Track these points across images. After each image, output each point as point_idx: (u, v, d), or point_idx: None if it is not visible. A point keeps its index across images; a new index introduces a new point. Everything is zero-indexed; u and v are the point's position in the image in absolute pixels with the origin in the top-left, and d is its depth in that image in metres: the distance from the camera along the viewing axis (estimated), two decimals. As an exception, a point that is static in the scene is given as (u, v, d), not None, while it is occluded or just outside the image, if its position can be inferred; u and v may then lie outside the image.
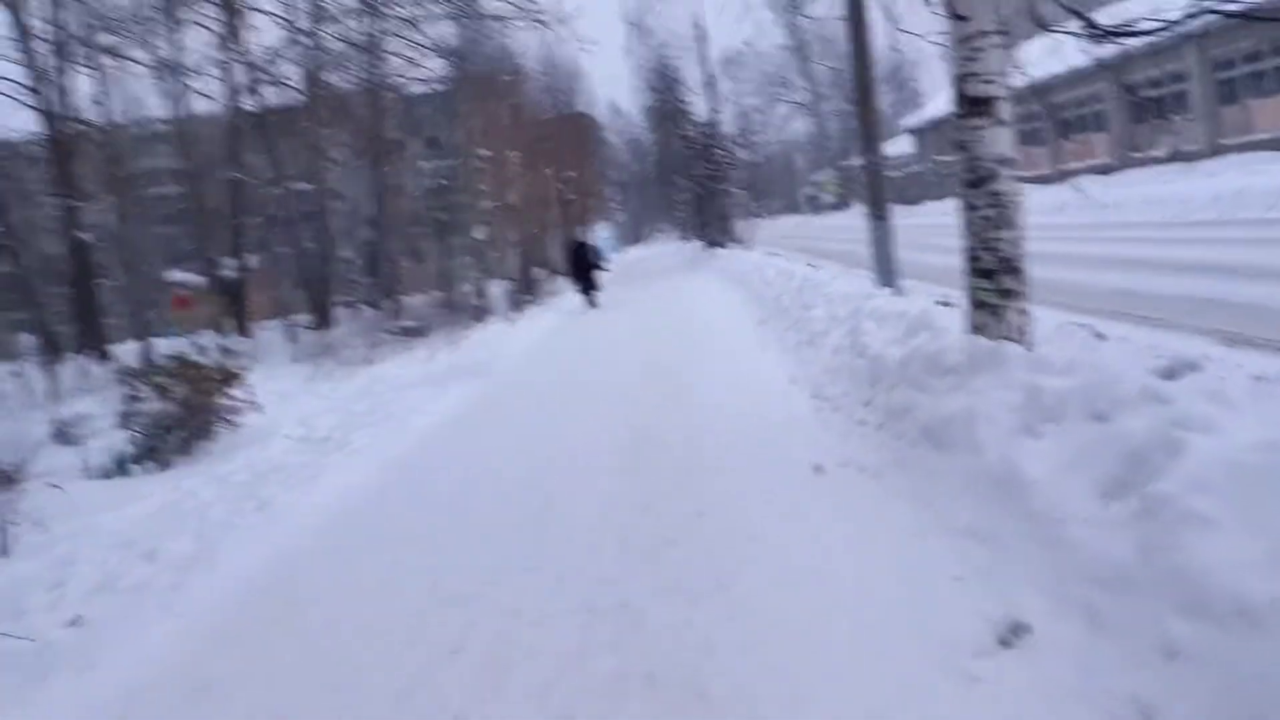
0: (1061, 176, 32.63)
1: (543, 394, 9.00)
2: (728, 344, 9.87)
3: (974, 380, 4.21)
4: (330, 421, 9.97)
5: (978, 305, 4.56)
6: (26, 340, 29.91)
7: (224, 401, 10.28)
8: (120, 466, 9.44)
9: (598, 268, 20.42)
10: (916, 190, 46.28)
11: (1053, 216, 22.68)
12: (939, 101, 48.96)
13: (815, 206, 68.39)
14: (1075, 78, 31.71)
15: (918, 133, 49.16)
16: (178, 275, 44.05)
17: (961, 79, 4.58)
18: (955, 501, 3.58)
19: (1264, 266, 8.43)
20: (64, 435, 12.22)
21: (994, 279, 4.50)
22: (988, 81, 4.49)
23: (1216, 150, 27.03)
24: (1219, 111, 27.57)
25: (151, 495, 7.67)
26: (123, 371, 10.54)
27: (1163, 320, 7.16)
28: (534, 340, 14.88)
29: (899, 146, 59.03)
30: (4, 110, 26.81)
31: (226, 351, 11.43)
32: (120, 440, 9.83)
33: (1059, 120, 34.64)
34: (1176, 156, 28.52)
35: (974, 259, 4.57)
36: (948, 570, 3.06)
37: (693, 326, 12.20)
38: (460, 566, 4.16)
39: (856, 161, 64.01)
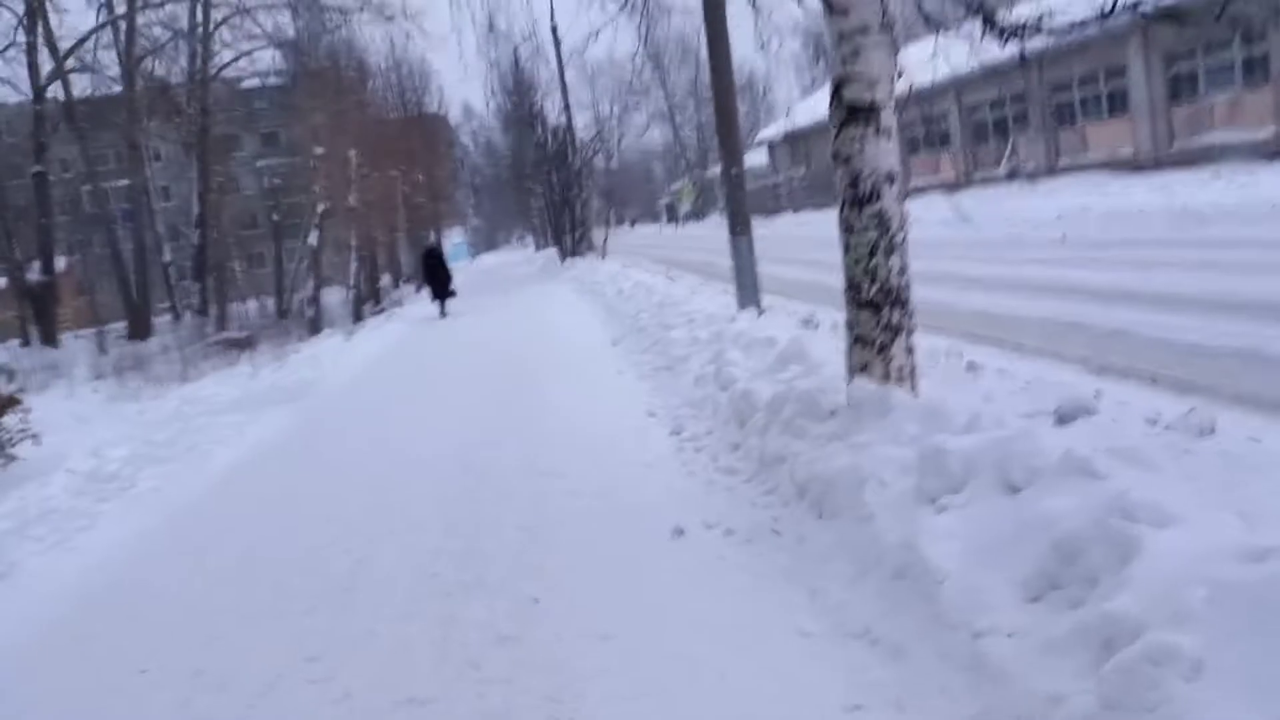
0: (909, 193, 33.65)
1: (369, 424, 7.99)
2: (581, 366, 9.12)
3: (858, 432, 3.62)
4: (124, 453, 8.67)
5: (860, 341, 4.00)
6: None
7: (-6, 432, 8.82)
8: None
9: (449, 275, 19.70)
10: (772, 203, 47.01)
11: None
12: (794, 114, 50.01)
13: (673, 216, 68.74)
14: (922, 96, 32.72)
15: (772, 145, 49.95)
16: (-24, 278, 39.85)
17: (840, 82, 4.01)
18: (847, 591, 2.95)
19: (1119, 288, 8.38)
20: None
21: (878, 312, 3.94)
22: (869, 85, 3.94)
23: (1053, 170, 28.33)
24: (1056, 132, 28.90)
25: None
26: None
27: (1026, 345, 6.90)
28: (370, 356, 13.71)
29: (754, 158, 60.09)
30: None
31: (1, 371, 9.85)
32: None
33: (908, 137, 35.74)
34: (1015, 175, 29.80)
35: (855, 289, 4.01)
36: (843, 696, 2.40)
37: (544, 345, 11.39)
38: (227, 671, 3.24)
39: (715, 171, 64.75)
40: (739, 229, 9.86)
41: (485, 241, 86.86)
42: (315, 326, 19.61)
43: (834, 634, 2.75)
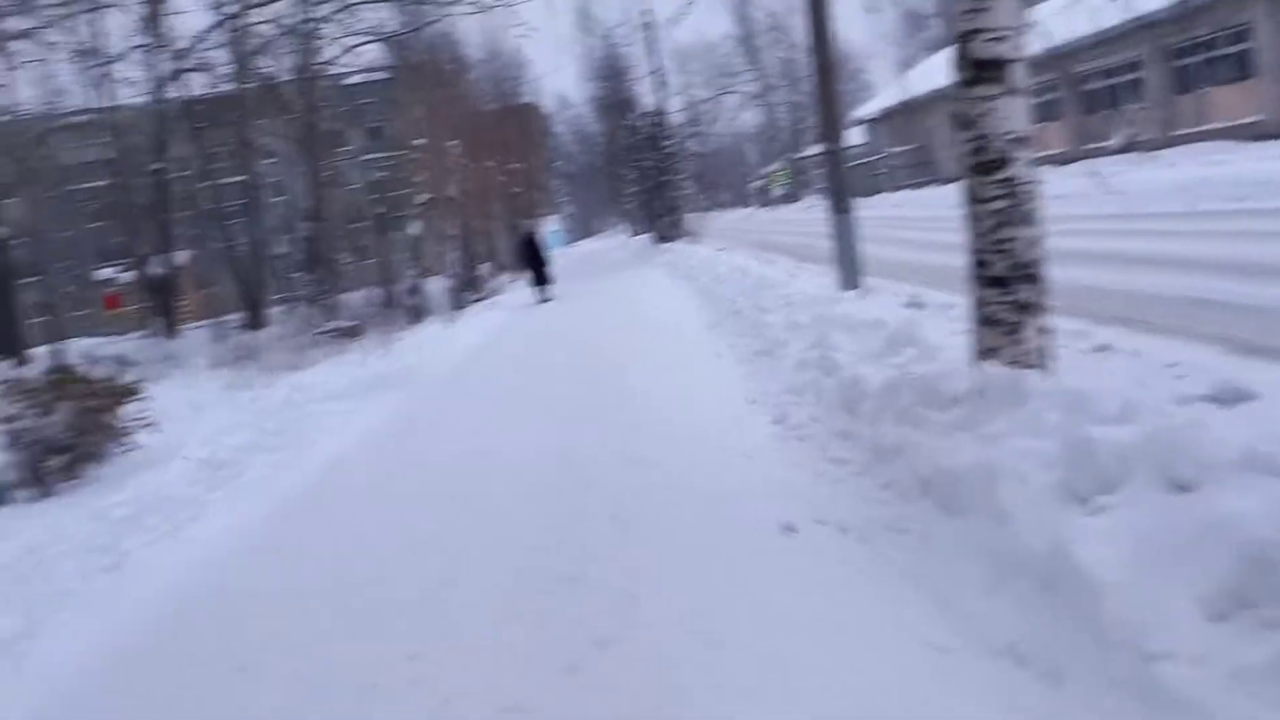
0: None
1: (467, 412, 7.93)
2: (678, 350, 8.90)
3: (989, 422, 3.29)
4: (237, 441, 8.88)
5: (987, 322, 3.65)
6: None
7: (115, 421, 9.12)
8: (-2, 494, 8.25)
9: (548, 261, 20.12)
10: (870, 182, 45.79)
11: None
12: (891, 91, 48.53)
13: (765, 199, 67.82)
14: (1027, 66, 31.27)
15: (870, 123, 48.61)
16: (108, 273, 42.11)
17: (965, 37, 3.66)
18: (983, 600, 2.64)
19: (1250, 262, 7.67)
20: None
21: (1008, 288, 3.58)
22: (999, 39, 3.58)
23: (1171, 140, 26.68)
24: (1174, 100, 27.20)
25: (12, 537, 6.55)
26: (5, 387, 9.26)
27: (1154, 324, 6.36)
28: (469, 343, 13.77)
29: (851, 137, 58.64)
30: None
31: (122, 363, 10.19)
32: (2, 462, 8.64)
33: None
34: (1131, 146, 28.20)
35: (981, 264, 3.66)
36: (996, 726, 2.11)
37: (640, 329, 11.21)
38: (326, 673, 3.14)
39: (808, 153, 63.56)
40: (840, 207, 9.47)
41: (580, 229, 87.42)
42: (417, 315, 19.93)
43: (973, 650, 2.45)
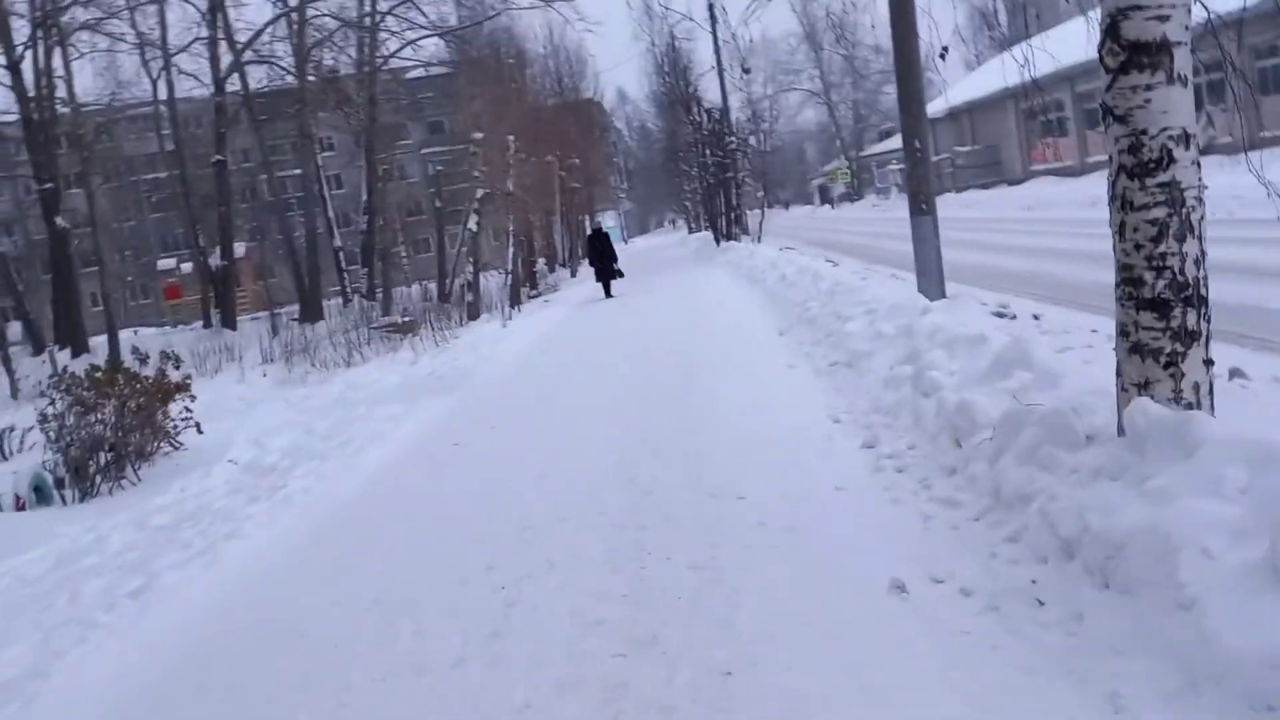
0: (1086, 169, 31.04)
1: (523, 422, 7.48)
2: (748, 358, 8.38)
3: (1152, 473, 2.74)
4: (284, 443, 8.61)
5: (1139, 351, 3.08)
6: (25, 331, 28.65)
7: (163, 419, 8.90)
8: (40, 493, 8.05)
9: (614, 256, 20.03)
10: (935, 182, 44.63)
11: (1090, 211, 21.18)
12: (958, 89, 47.23)
13: (825, 197, 66.70)
14: (1096, 65, 30.01)
15: (934, 122, 47.39)
16: (169, 263, 42.80)
17: (1117, 15, 3.10)
18: (1167, 709, 2.11)
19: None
20: (-7, 449, 10.85)
21: (1166, 313, 3.02)
22: (1160, 17, 3.02)
23: (1256, 143, 25.36)
24: (1259, 102, 25.87)
25: (48, 541, 6.30)
26: (52, 381, 9.09)
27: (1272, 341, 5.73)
28: (526, 343, 13.39)
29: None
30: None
31: (168, 358, 9.99)
32: (49, 460, 8.46)
33: (1085, 110, 32.98)
34: (1210, 149, 26.90)
35: (1133, 282, 3.09)
36: None
37: (705, 332, 10.70)
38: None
39: (870, 151, 62.31)
40: (922, 208, 8.85)
41: (637, 225, 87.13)
42: (474, 311, 19.63)
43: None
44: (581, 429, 6.63)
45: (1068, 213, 22.09)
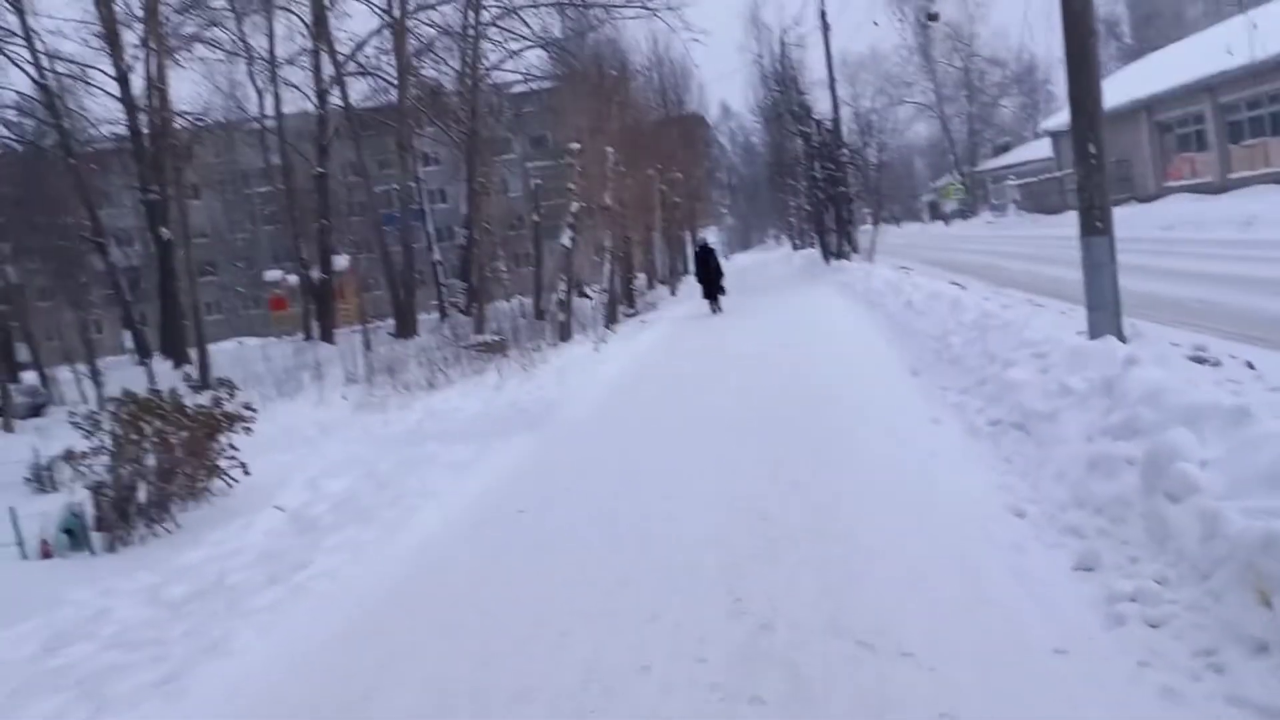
0: (1228, 186, 28.31)
1: (612, 476, 6.23)
2: (879, 405, 6.97)
3: None
4: (340, 487, 7.63)
5: None
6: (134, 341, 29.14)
7: (208, 457, 7.98)
8: (73, 536, 7.21)
9: (721, 272, 20.01)
10: (1056, 199, 41.81)
11: (1243, 231, 18.90)
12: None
13: (936, 214, 63.97)
14: (1246, 75, 27.38)
15: (1057, 136, 44.54)
16: (274, 275, 43.48)
17: None
18: None
19: None
20: (41, 479, 10.16)
21: None
22: None
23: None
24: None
25: (50, 609, 5.34)
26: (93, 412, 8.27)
27: None
28: (620, 373, 12.17)
29: (1034, 150, 54.31)
30: (93, 103, 25.86)
31: (224, 385, 9.10)
32: (83, 500, 7.64)
33: (1227, 122, 30.15)
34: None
35: None
36: None
37: (823, 367, 9.29)
38: None
39: (984, 166, 59.47)
40: (1096, 225, 7.28)
41: (739, 241, 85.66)
42: (565, 331, 18.57)
43: None
44: (673, 505, 5.30)
45: (1216, 233, 19.79)
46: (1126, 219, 30.19)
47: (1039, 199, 45.01)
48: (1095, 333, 7.18)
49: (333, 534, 6.08)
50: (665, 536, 4.74)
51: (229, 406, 8.70)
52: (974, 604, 3.28)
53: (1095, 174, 7.24)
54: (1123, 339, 7.16)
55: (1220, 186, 28.79)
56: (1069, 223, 31.10)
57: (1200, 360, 6.75)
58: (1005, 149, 62.51)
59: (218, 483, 8.08)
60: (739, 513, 4.93)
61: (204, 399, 9.35)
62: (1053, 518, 3.98)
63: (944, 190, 63.04)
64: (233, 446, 7.82)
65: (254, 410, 10.39)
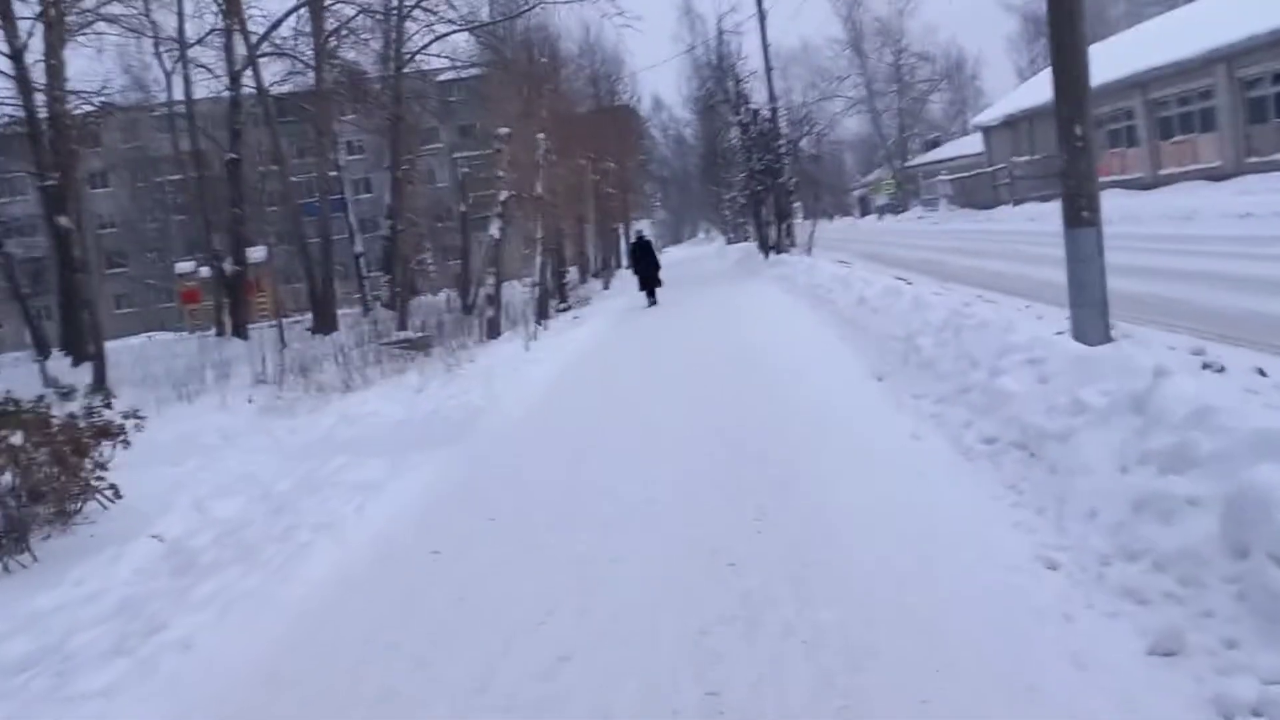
0: (1159, 182, 28.56)
1: (532, 514, 5.27)
2: (846, 416, 6.19)
3: None
4: (230, 512, 6.62)
5: None
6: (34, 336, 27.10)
7: (79, 477, 6.85)
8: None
9: (657, 264, 19.87)
10: (988, 194, 42.04)
11: (1183, 227, 18.79)
12: (1015, 97, 44.69)
13: (867, 208, 64.22)
14: (1176, 72, 27.62)
15: (988, 131, 44.82)
16: (186, 267, 41.30)
17: None
18: None
19: None
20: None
21: None
22: None
23: (1365, 154, 22.79)
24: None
25: None
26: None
27: None
28: (552, 373, 11.22)
29: (964, 147, 54.76)
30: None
31: (99, 390, 7.94)
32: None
33: (1158, 119, 30.42)
34: (1309, 160, 24.30)
35: None
36: None
37: (775, 369, 8.49)
38: None
39: (916, 161, 59.83)
40: (1082, 215, 6.59)
41: (670, 235, 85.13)
42: (494, 328, 17.52)
43: None
44: (618, 544, 4.39)
45: (1157, 228, 19.67)
46: (1058, 213, 30.27)
47: (971, 194, 45.24)
48: (1080, 333, 6.51)
49: (209, 577, 5.06)
50: (612, 590, 3.85)
51: (108, 415, 7.57)
52: (1032, 706, 2.47)
53: (1081, 158, 6.55)
54: (1109, 339, 6.53)
55: (1151, 183, 29.01)
56: (1001, 216, 31.26)
57: (1205, 365, 6.08)
58: (935, 144, 63.02)
59: (93, 505, 6.97)
60: (699, 556, 4.06)
61: (76, 407, 8.18)
62: (1099, 574, 3.20)
63: (876, 185, 63.33)
64: (101, 466, 6.70)
65: (141, 418, 9.22)
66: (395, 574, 4.54)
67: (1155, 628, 2.76)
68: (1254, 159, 25.70)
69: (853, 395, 6.89)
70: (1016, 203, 37.96)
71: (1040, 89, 39.72)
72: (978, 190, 44.28)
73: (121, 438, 7.42)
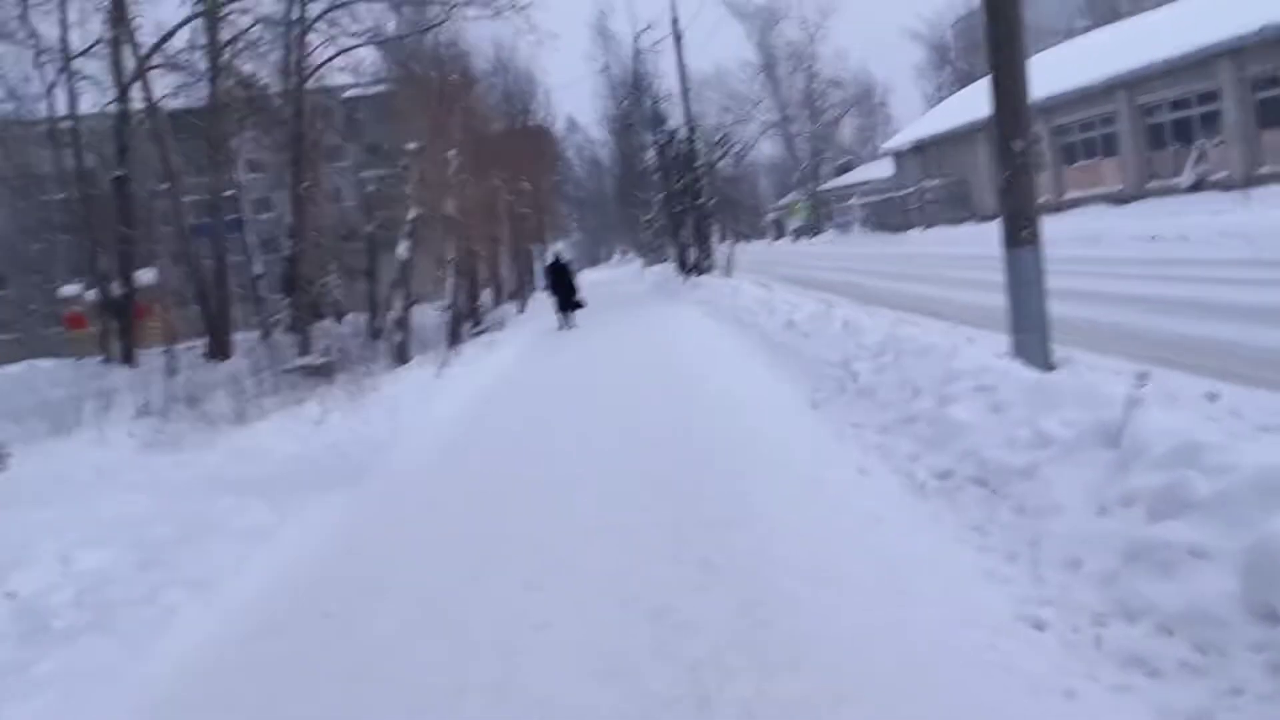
0: (1063, 206, 29.40)
1: (449, 561, 4.70)
2: (785, 444, 5.76)
3: None
4: (95, 564, 5.83)
5: None
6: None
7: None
8: None
9: (575, 287, 19.65)
10: (898, 218, 42.86)
11: (1093, 249, 19.20)
12: (922, 123, 45.80)
13: (781, 231, 65.01)
14: (1080, 97, 28.55)
15: (898, 155, 45.77)
16: (71, 290, 39.01)
17: None
18: None
19: None
20: None
21: None
22: None
23: (1253, 179, 23.78)
24: (1258, 135, 24.36)
25: None
26: None
27: None
28: (462, 405, 10.56)
29: (874, 171, 55.88)
30: None
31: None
32: None
33: (1062, 144, 31.40)
34: (1203, 185, 25.30)
35: None
36: None
37: (705, 396, 8.03)
38: None
39: (829, 185, 60.83)
40: (1021, 234, 6.34)
41: (586, 256, 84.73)
42: (403, 354, 16.72)
43: None
44: (543, 602, 3.83)
45: (1069, 250, 20.07)
46: (970, 237, 30.87)
47: (883, 217, 46.07)
48: (1021, 358, 6.25)
49: (58, 647, 4.32)
50: (537, 658, 3.30)
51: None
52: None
53: (1021, 176, 6.31)
54: (1050, 365, 6.28)
55: (1056, 206, 29.82)
56: (914, 240, 31.61)
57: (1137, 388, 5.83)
58: (847, 168, 64.22)
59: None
60: (637, 618, 3.53)
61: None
62: (1095, 636, 2.78)
63: (791, 208, 64.14)
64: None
65: (5, 455, 8.32)
66: (277, 644, 3.88)
67: (1178, 708, 2.35)
68: (1154, 183, 26.64)
69: (790, 425, 6.47)
70: (927, 226, 38.75)
71: (949, 115, 40.83)
72: (889, 214, 45.12)
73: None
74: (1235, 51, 23.53)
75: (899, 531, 4.00)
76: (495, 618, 3.76)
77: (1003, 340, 7.03)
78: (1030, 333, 6.25)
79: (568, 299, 19.29)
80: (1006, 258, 6.38)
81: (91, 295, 32.90)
